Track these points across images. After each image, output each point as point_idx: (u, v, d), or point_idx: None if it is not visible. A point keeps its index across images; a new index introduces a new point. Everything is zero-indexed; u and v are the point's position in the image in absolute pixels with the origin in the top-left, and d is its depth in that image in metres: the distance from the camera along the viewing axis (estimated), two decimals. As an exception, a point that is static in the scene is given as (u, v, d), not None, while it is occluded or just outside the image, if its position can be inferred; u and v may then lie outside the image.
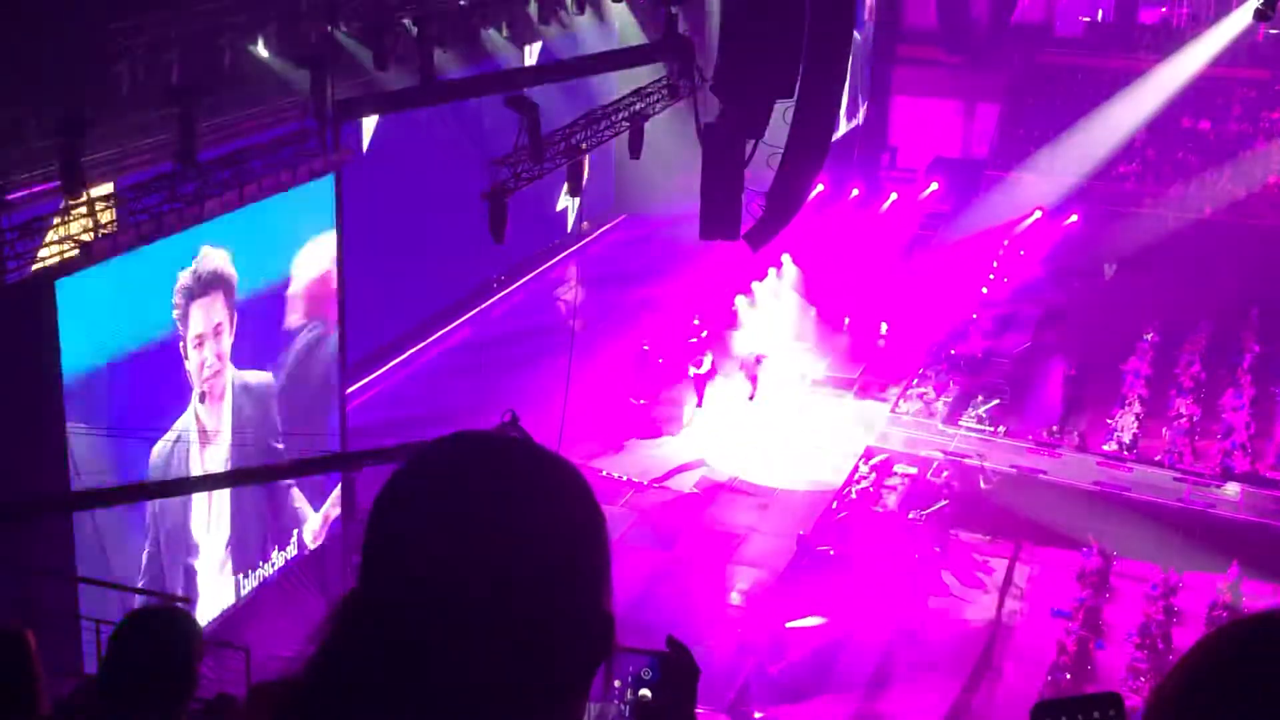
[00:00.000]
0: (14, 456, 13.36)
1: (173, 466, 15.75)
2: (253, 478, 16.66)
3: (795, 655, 18.85)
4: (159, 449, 15.57)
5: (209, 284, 16.02)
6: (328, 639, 1.56)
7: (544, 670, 1.53)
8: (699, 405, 25.32)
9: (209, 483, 16.19)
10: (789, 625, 19.54)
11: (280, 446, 17.39)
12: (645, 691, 1.71)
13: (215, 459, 16.46)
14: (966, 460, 23.42)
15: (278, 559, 17.94)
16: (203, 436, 16.25)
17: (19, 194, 13.62)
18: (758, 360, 26.60)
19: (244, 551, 17.37)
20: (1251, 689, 1.45)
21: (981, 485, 22.84)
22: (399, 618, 1.51)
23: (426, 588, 1.50)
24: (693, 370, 25.79)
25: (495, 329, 26.19)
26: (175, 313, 15.59)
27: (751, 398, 26.23)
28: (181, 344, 15.77)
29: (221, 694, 5.41)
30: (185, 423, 16.03)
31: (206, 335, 16.14)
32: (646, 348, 26.37)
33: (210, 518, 16.79)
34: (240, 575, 17.36)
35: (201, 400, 16.23)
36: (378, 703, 1.52)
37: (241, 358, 16.81)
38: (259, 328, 17.09)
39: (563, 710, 1.58)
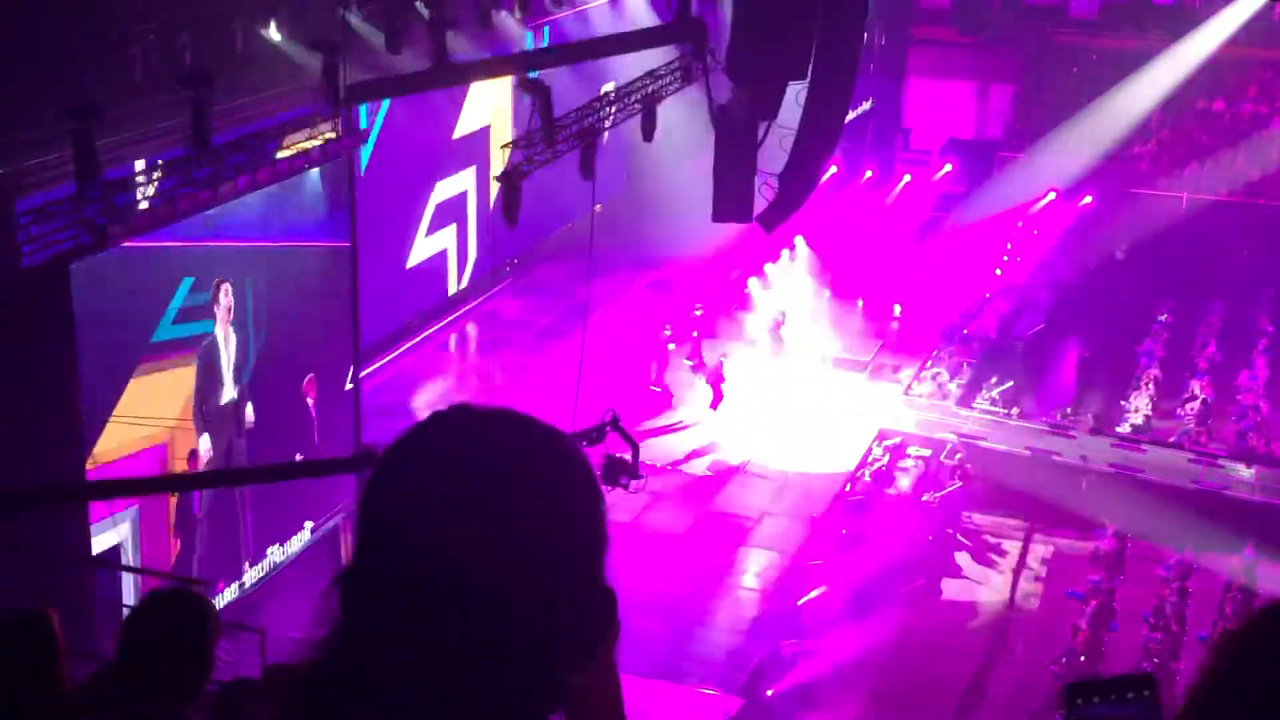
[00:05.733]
0: (29, 443, 13.39)
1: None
2: (265, 476, 16.67)
3: (809, 638, 18.87)
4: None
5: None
6: (332, 619, 1.56)
7: (546, 644, 1.52)
8: (714, 407, 25.04)
9: (223, 479, 16.22)
10: (800, 602, 19.56)
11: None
12: None
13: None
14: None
15: (293, 541, 17.98)
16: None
17: (33, 178, 13.63)
18: (780, 319, 26.68)
19: (260, 534, 17.42)
20: None
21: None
22: (395, 595, 1.50)
23: (421, 563, 1.49)
24: (687, 363, 25.74)
25: (508, 312, 26.16)
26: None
27: (777, 353, 26.46)
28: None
29: (238, 676, 5.43)
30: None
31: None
32: (668, 332, 26.22)
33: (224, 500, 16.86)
34: (256, 557, 17.41)
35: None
36: (383, 681, 1.52)
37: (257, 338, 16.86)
38: (273, 310, 17.11)
39: (564, 685, 1.57)
